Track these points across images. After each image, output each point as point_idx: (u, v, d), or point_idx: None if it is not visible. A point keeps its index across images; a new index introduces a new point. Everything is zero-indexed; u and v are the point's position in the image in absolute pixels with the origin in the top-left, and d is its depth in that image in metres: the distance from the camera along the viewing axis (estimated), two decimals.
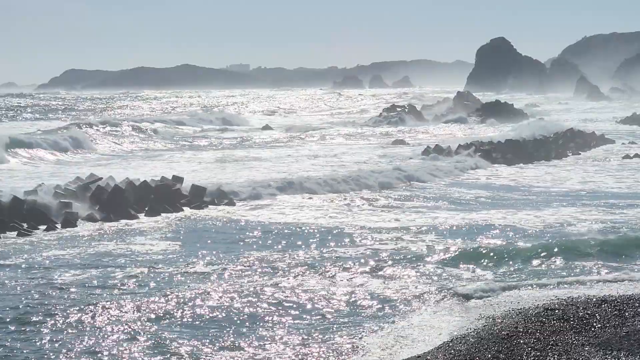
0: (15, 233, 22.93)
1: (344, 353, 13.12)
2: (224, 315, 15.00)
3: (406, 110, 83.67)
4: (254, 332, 14.16)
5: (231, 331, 14.16)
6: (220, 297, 16.06)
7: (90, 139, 56.10)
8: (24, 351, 13.05)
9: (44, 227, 23.75)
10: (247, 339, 13.75)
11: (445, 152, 43.87)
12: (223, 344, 13.53)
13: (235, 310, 15.26)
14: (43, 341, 13.51)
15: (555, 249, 19.77)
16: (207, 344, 13.51)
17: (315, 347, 13.39)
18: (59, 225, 24.08)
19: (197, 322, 14.57)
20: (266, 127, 74.55)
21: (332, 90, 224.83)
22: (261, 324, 14.55)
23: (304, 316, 15.03)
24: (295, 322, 14.71)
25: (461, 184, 34.59)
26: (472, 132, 68.06)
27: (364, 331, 14.19)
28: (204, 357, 12.96)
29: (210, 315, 14.98)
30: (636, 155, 45.02)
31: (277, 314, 15.14)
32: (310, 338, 13.82)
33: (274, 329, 14.33)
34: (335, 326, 14.48)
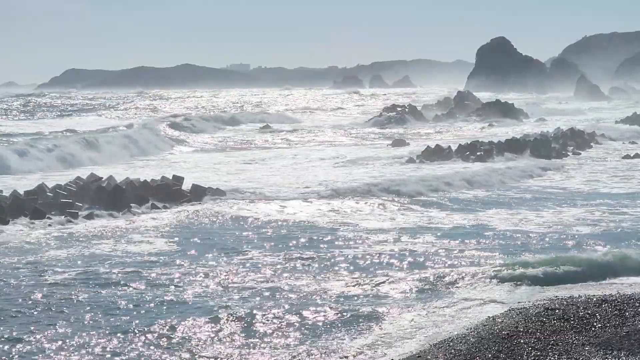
0: (16, 232, 22.97)
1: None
2: (222, 315, 15.00)
3: (406, 110, 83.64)
4: (264, 335, 14.18)
5: (231, 331, 14.18)
6: (218, 298, 16.09)
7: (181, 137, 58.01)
8: (18, 349, 13.09)
9: (45, 226, 23.77)
10: (255, 343, 13.78)
11: (446, 153, 43.86)
12: (221, 345, 13.55)
13: (236, 310, 15.29)
14: (36, 337, 13.55)
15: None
16: (203, 344, 13.53)
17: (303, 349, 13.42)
18: (59, 225, 24.09)
19: (192, 322, 14.59)
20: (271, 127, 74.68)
21: (351, 89, 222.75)
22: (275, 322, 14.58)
23: (299, 313, 15.06)
24: (291, 320, 14.74)
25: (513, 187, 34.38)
26: (473, 132, 68.03)
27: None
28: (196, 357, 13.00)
29: (208, 315, 14.99)
30: (636, 155, 45.02)
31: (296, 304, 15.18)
32: (305, 337, 13.85)
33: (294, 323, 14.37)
34: (323, 328, 14.50)
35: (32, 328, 14.10)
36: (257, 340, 13.72)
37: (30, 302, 15.69)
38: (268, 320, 14.69)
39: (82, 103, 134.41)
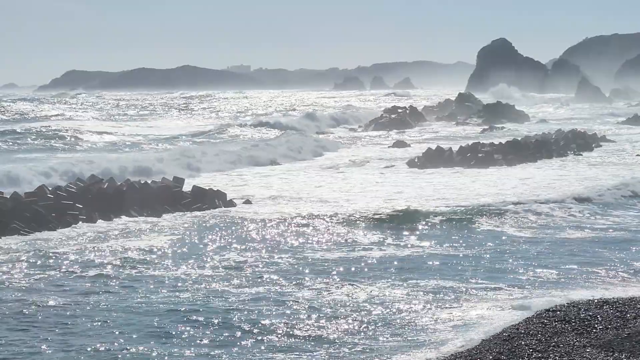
0: (16, 234, 22.92)
1: None
2: (221, 319, 14.98)
3: (407, 111, 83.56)
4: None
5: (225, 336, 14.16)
6: (216, 299, 16.08)
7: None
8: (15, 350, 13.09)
9: (44, 228, 23.72)
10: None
11: (447, 154, 43.78)
12: (218, 350, 13.53)
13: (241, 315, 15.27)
14: (32, 341, 13.55)
15: None
16: (197, 349, 13.51)
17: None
18: (59, 227, 24.04)
19: (189, 325, 14.57)
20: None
21: (391, 90, 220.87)
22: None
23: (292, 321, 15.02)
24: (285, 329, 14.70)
25: None
26: (474, 133, 67.95)
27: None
28: None
29: (208, 319, 14.97)
30: (637, 156, 45.02)
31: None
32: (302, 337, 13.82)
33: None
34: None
35: (26, 328, 14.12)
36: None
37: (29, 302, 15.70)
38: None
39: (142, 104, 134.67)
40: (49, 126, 65.69)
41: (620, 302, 15.28)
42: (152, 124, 79.56)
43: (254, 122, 74.41)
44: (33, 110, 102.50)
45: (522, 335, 13.40)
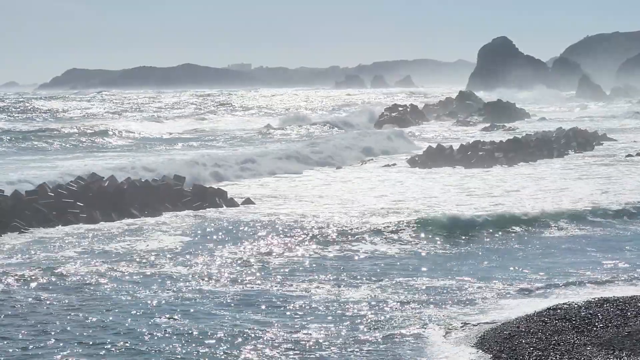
0: (17, 232, 22.93)
1: None
2: (222, 318, 15.00)
3: (408, 109, 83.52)
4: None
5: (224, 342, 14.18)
6: (217, 298, 16.09)
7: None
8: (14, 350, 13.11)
9: (45, 226, 23.73)
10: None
11: (447, 153, 43.77)
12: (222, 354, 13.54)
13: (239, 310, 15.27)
14: (34, 340, 13.56)
15: None
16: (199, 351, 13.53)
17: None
18: (59, 225, 24.04)
19: (190, 325, 14.59)
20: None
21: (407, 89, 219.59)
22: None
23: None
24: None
25: None
26: (474, 131, 67.95)
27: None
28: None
29: (206, 318, 14.99)
30: (638, 154, 44.99)
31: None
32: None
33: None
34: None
35: (27, 328, 14.16)
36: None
37: (29, 302, 15.72)
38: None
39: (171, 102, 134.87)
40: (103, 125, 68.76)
41: (621, 300, 15.27)
42: (215, 121, 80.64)
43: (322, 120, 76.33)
44: (64, 109, 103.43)
45: (522, 333, 13.40)
